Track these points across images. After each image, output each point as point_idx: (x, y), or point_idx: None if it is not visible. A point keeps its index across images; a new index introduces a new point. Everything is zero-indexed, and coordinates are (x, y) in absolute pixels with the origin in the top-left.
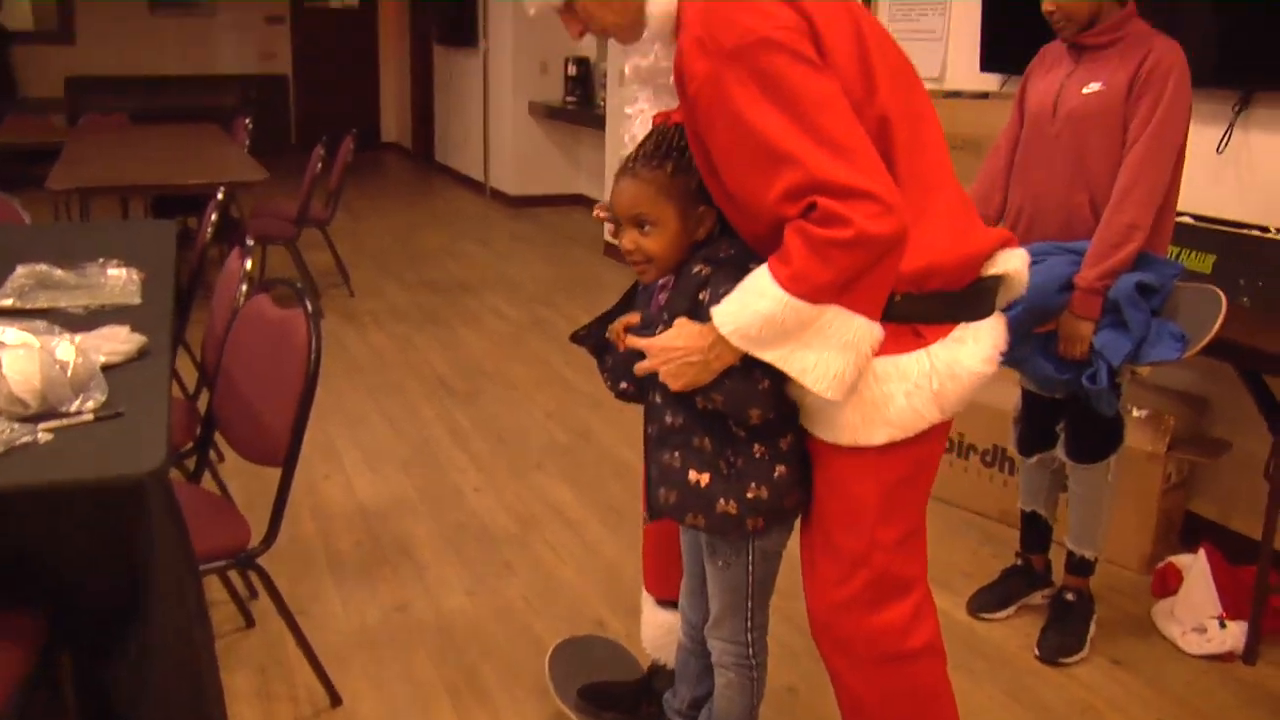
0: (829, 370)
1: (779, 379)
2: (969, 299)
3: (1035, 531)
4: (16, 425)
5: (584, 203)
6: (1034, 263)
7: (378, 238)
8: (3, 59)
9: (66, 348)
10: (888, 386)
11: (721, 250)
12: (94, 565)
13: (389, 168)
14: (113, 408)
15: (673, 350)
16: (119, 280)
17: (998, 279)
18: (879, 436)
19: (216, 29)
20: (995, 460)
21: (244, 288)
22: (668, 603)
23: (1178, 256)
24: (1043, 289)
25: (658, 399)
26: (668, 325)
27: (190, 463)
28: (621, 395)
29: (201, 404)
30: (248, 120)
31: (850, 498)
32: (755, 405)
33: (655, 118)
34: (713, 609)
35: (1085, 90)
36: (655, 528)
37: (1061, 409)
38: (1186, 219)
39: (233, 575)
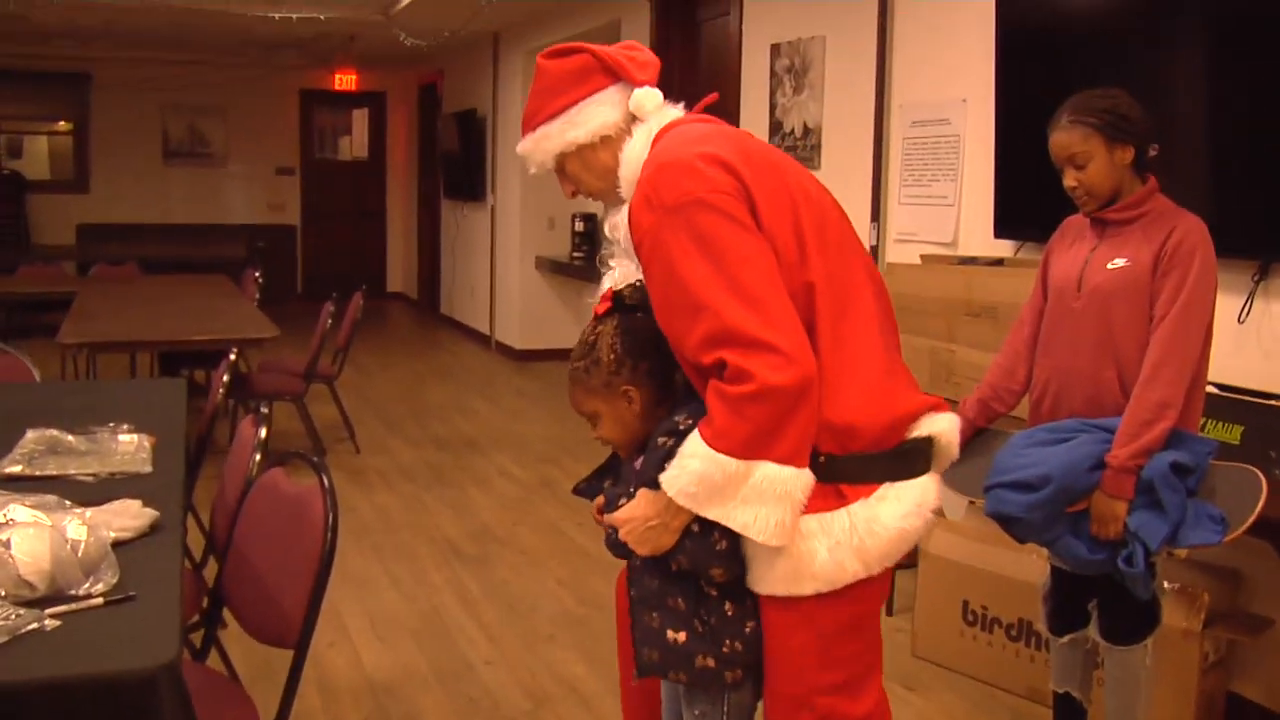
0: (769, 522)
1: (736, 539)
2: (893, 460)
3: (1070, 714)
4: (22, 611)
5: None
6: (1062, 440)
7: (384, 391)
8: (19, 207)
9: (78, 526)
10: (812, 543)
11: (681, 423)
12: None
13: (394, 318)
14: (123, 590)
15: (634, 519)
16: (130, 447)
17: (927, 440)
18: (807, 588)
19: (227, 179)
20: (1021, 634)
21: (257, 458)
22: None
23: (1205, 428)
24: (1073, 468)
25: (637, 563)
26: (631, 497)
27: (196, 638)
28: (616, 552)
29: (208, 573)
30: (258, 274)
31: (787, 648)
32: (715, 564)
33: (605, 295)
34: None
35: (1110, 265)
36: (637, 687)
37: (1093, 586)
38: (1212, 389)
39: None
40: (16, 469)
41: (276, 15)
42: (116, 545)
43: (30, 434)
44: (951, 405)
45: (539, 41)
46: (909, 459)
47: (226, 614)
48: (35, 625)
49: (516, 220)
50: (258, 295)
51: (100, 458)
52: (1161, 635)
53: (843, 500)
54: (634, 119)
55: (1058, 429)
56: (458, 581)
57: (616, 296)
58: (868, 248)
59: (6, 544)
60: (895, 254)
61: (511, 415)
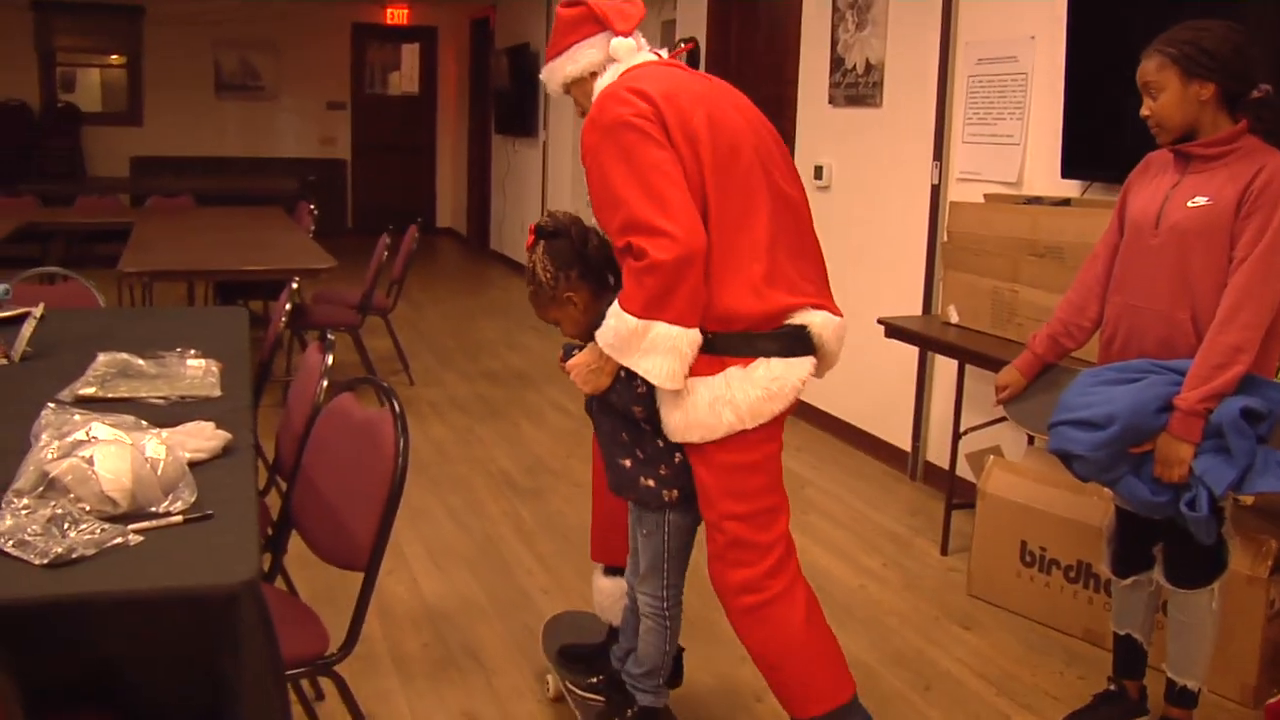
0: (664, 369)
1: (651, 386)
2: (768, 340)
3: (1131, 656)
4: (107, 525)
5: None
6: (1131, 380)
7: (436, 326)
8: (74, 140)
9: (156, 445)
10: (696, 398)
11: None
12: (176, 672)
13: (444, 254)
14: (200, 509)
15: (580, 365)
16: (199, 372)
17: (801, 328)
18: (694, 436)
19: (279, 113)
20: (1079, 576)
21: (324, 384)
22: (612, 570)
23: None
24: (1141, 408)
25: (594, 408)
26: (580, 349)
27: (264, 561)
28: (587, 408)
29: (270, 499)
30: (312, 206)
31: (699, 480)
32: (636, 404)
33: (530, 229)
34: (640, 568)
35: (1191, 203)
36: (602, 510)
37: (1158, 529)
38: None
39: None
40: (90, 390)
41: None
42: (192, 465)
43: (101, 357)
44: (1015, 346)
45: None
46: (783, 341)
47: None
48: (120, 540)
49: (569, 156)
50: (312, 228)
51: (170, 381)
52: (1226, 581)
53: (723, 367)
54: (612, 59)
55: (1126, 368)
56: (513, 513)
57: (537, 229)
58: (927, 185)
59: (90, 461)
60: (958, 193)
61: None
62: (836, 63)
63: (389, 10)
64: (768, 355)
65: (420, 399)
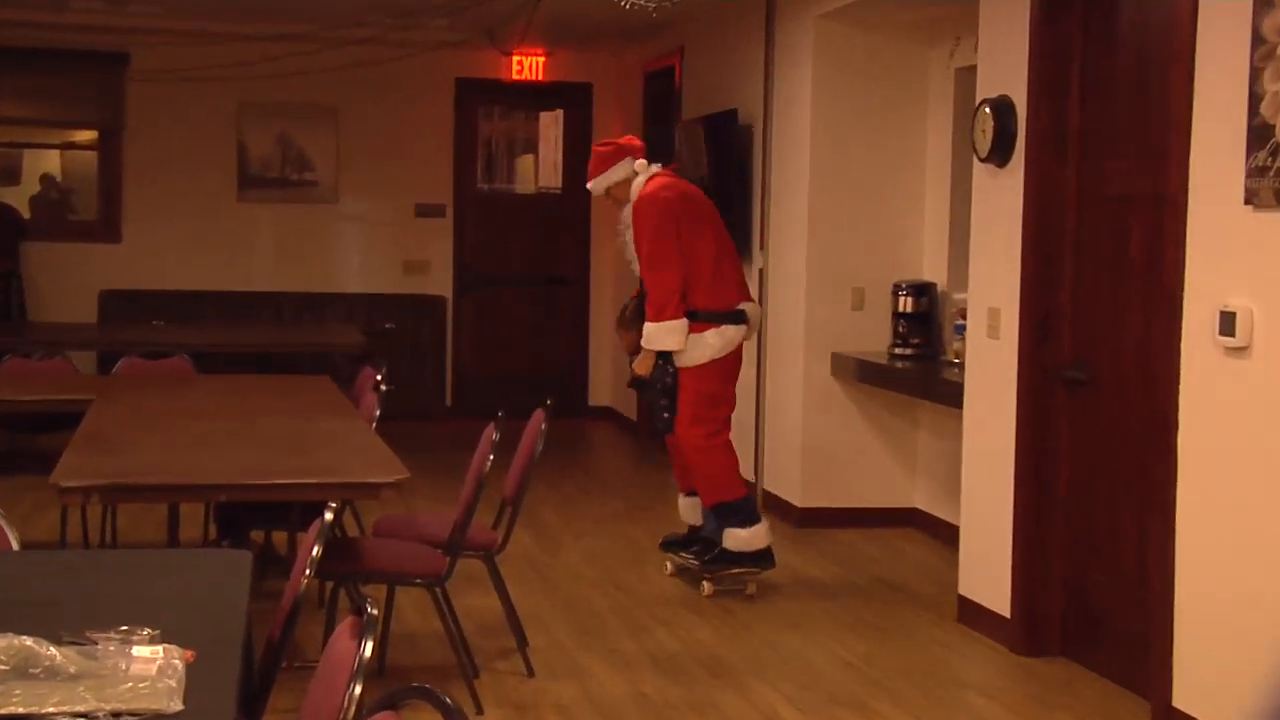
0: (673, 340)
1: (667, 360)
2: (722, 318)
3: None
4: None
5: (922, 524)
6: None
7: (576, 575)
8: (9, 263)
9: None
10: (691, 344)
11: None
12: None
13: (598, 449)
14: None
15: (641, 360)
16: (149, 668)
17: (740, 312)
18: (689, 362)
19: (337, 223)
20: None
21: (356, 690)
22: (690, 492)
23: None
24: None
25: (641, 388)
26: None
27: None
28: (631, 383)
29: None
30: (380, 376)
31: (686, 389)
32: (666, 376)
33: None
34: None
35: None
36: (676, 457)
37: None
38: None
39: None
40: None
41: None
42: None
43: None
44: None
45: (835, 2)
46: (730, 318)
47: None
48: None
49: (801, 292)
50: (378, 410)
51: (98, 686)
52: None
53: (701, 330)
54: (636, 173)
55: None
56: None
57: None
58: None
59: None
60: None
61: (787, 619)
62: (1257, 133)
63: (516, 60)
64: (720, 324)
65: (543, 701)
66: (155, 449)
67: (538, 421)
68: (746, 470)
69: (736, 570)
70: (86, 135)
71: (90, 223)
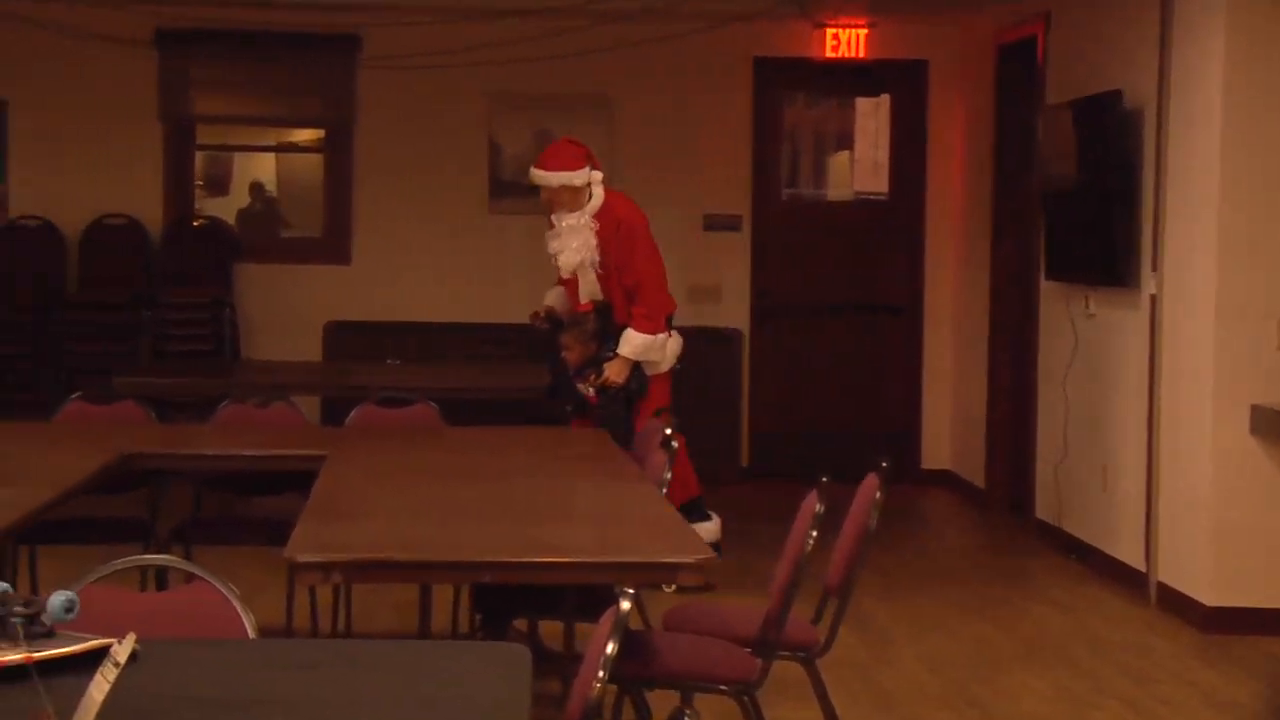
0: (658, 355)
1: (639, 370)
2: (670, 324)
3: None
4: None
5: None
6: None
7: (915, 680)
8: (219, 287)
9: None
10: (663, 350)
11: (609, 351)
12: None
13: (936, 523)
14: None
15: (614, 369)
16: None
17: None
18: (661, 369)
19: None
20: None
21: None
22: None
23: None
24: None
25: (603, 400)
26: (600, 375)
27: None
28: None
29: None
30: (669, 431)
31: (653, 395)
32: (641, 381)
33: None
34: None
35: None
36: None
37: None
38: None
39: None
40: None
41: None
42: None
43: None
44: None
45: None
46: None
47: None
48: None
49: (1209, 327)
50: (668, 473)
51: None
52: None
53: (669, 334)
54: (591, 184)
55: None
56: None
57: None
58: None
59: None
60: None
61: None
62: None
63: (831, 33)
64: (672, 330)
65: None
66: (403, 518)
67: (870, 489)
68: (1135, 556)
69: None
70: (308, 135)
71: (313, 240)
